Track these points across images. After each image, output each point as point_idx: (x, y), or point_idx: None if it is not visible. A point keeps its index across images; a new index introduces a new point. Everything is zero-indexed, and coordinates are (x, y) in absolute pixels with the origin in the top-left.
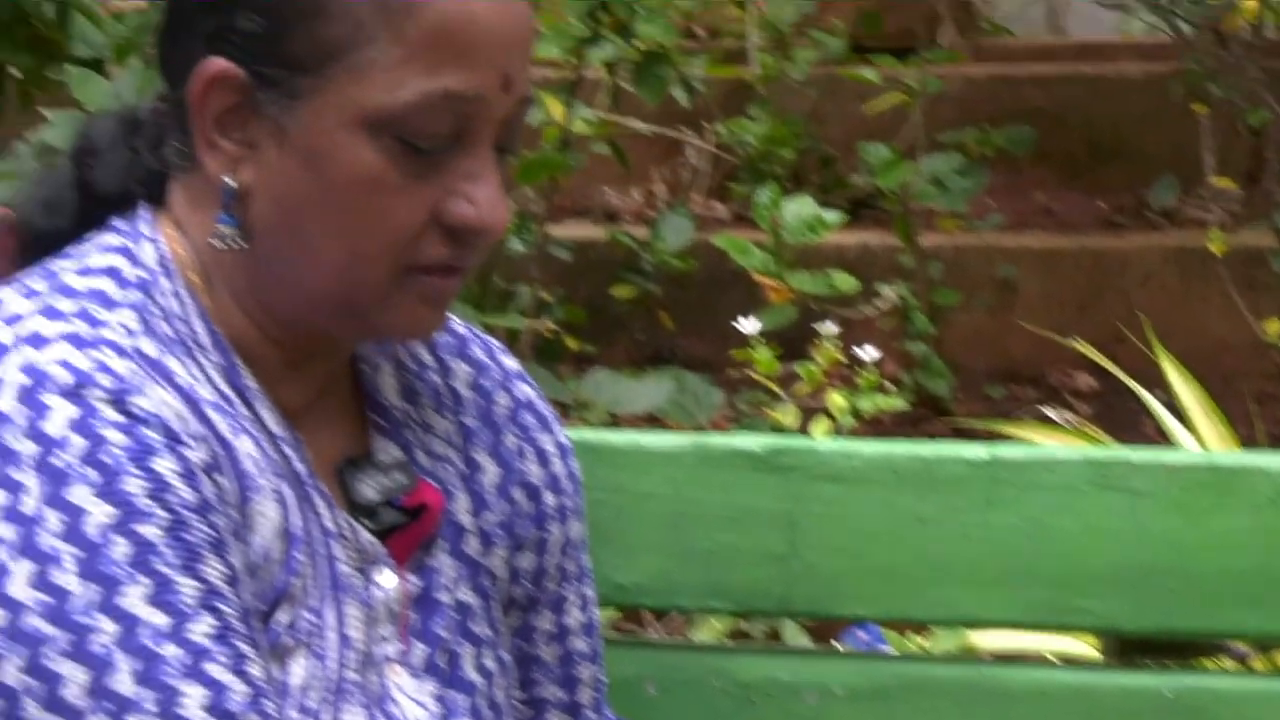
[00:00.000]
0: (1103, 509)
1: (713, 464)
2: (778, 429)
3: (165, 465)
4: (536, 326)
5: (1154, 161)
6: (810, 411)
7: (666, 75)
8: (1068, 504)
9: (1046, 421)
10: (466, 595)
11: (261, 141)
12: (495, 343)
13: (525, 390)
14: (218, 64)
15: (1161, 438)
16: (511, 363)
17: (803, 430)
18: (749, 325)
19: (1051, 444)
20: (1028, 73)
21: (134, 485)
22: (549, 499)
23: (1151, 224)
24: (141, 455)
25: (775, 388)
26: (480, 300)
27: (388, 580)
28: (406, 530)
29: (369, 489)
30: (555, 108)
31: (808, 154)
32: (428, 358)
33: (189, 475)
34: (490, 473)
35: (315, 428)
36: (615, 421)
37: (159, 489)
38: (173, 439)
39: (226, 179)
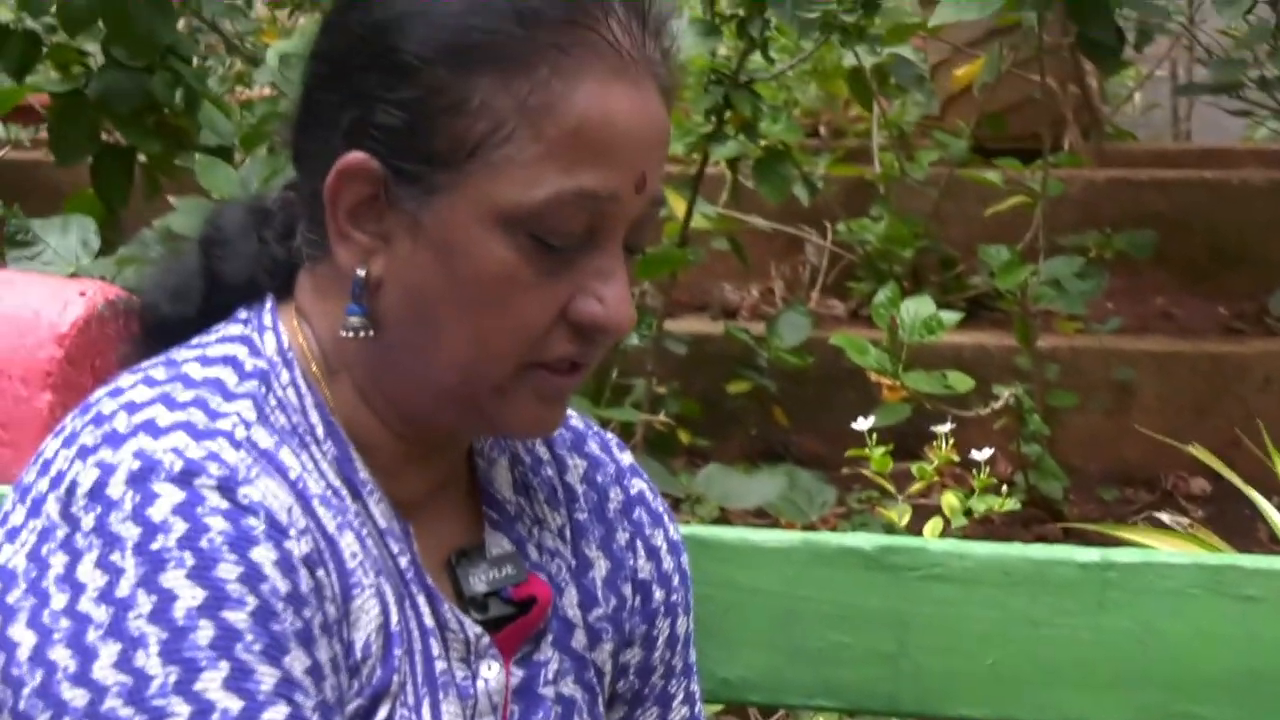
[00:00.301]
0: (1215, 615)
1: (823, 562)
2: (890, 528)
3: (263, 554)
4: (651, 420)
5: (1276, 268)
6: (923, 511)
7: (788, 173)
8: (1179, 609)
9: (1160, 526)
10: (571, 690)
11: (395, 234)
12: (612, 437)
13: (639, 486)
14: (356, 157)
15: (1276, 544)
16: (626, 458)
17: (915, 530)
18: (863, 423)
19: (1164, 549)
20: (1150, 177)
21: (228, 571)
22: (658, 595)
23: (1271, 330)
24: (240, 543)
25: (888, 486)
26: (597, 394)
27: (492, 672)
28: (514, 623)
29: (478, 581)
30: (677, 203)
31: (927, 254)
32: (543, 452)
33: (286, 566)
34: (601, 568)
35: (430, 520)
36: (726, 516)
37: (253, 577)
38: (276, 529)
39: (358, 270)
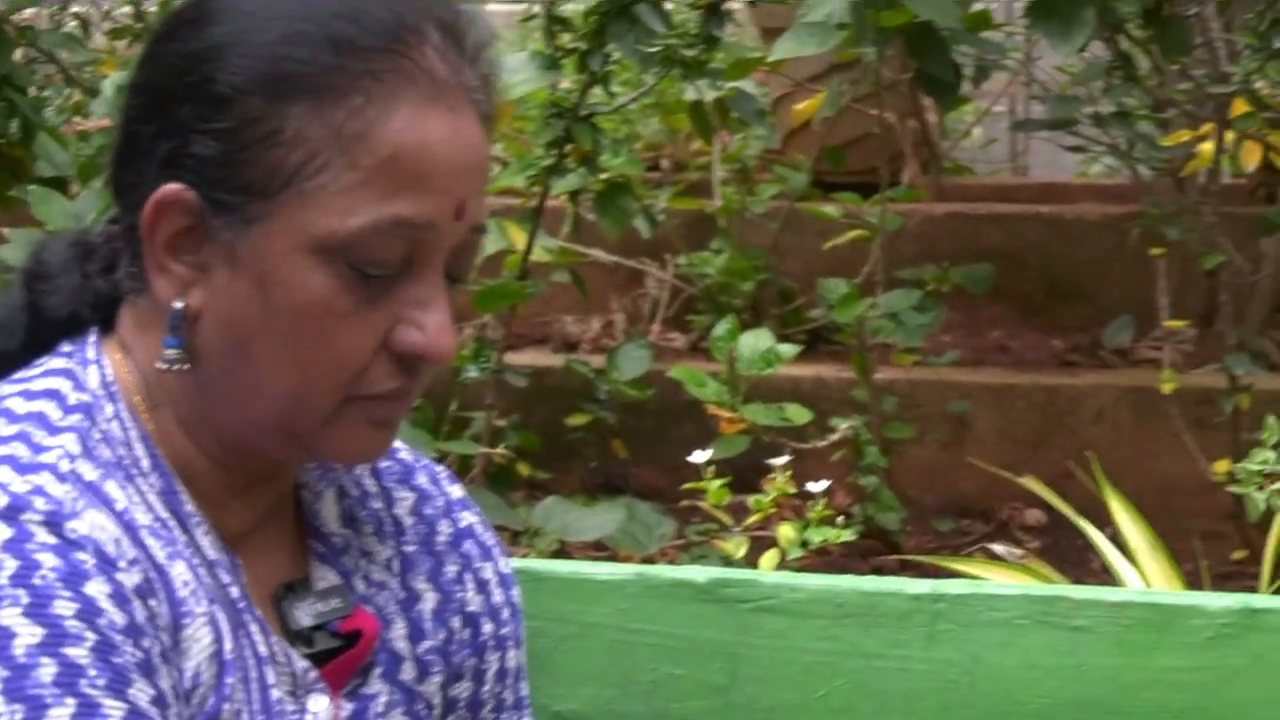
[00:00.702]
0: (1044, 645)
1: (657, 595)
2: (728, 560)
3: (96, 589)
4: (491, 453)
5: (1110, 302)
6: (761, 543)
7: (629, 206)
8: (1009, 640)
9: (994, 557)
10: None
11: (213, 265)
12: (441, 470)
13: (469, 518)
14: (172, 189)
15: (1108, 575)
16: (456, 490)
17: (753, 562)
18: (701, 456)
19: (994, 580)
20: (987, 211)
21: (64, 608)
22: (488, 628)
23: (1105, 363)
24: (73, 579)
25: (726, 519)
26: (436, 426)
27: (320, 706)
28: (341, 656)
29: (304, 615)
30: (518, 236)
31: (767, 287)
32: (371, 485)
33: (120, 599)
34: (429, 600)
35: (256, 552)
36: (566, 549)
37: (89, 612)
38: (106, 562)
39: (175, 302)
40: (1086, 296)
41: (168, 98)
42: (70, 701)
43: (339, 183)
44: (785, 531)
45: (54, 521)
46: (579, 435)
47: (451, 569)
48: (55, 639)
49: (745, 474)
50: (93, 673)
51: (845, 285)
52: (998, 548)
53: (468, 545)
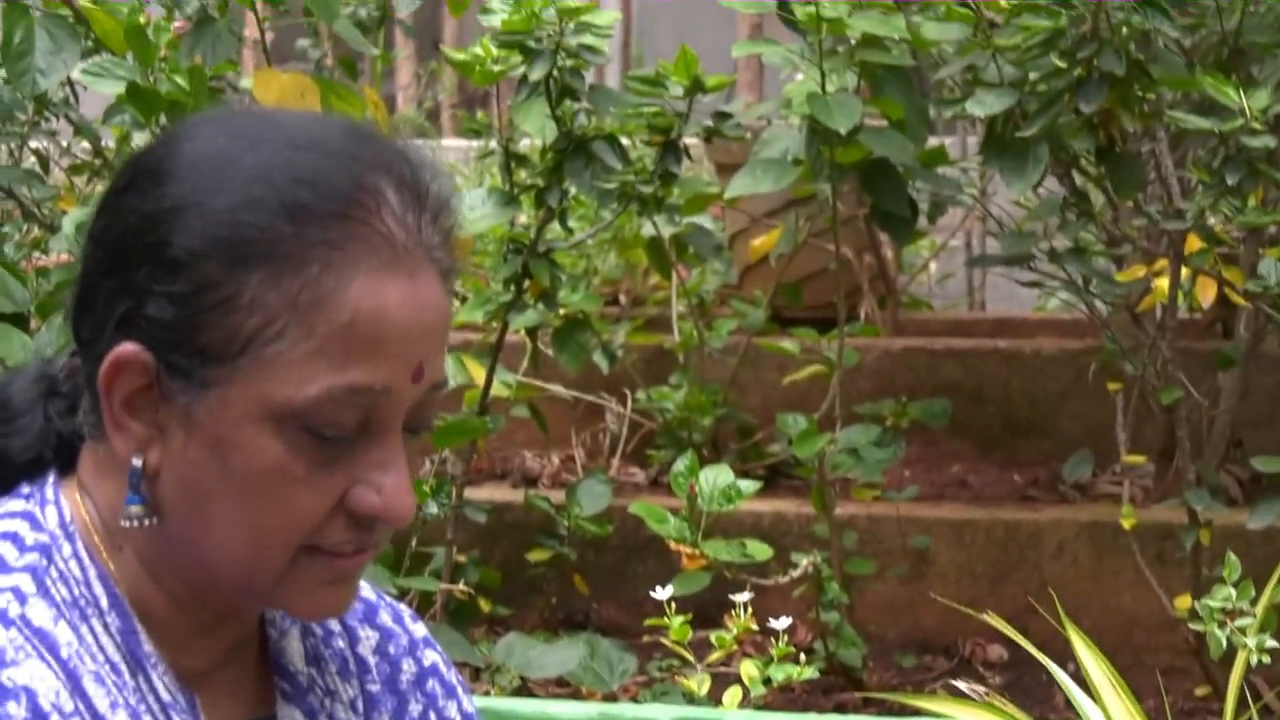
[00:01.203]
0: None
1: None
2: (690, 697)
3: None
4: (451, 589)
5: (1069, 436)
6: (723, 679)
7: (587, 341)
8: None
9: (957, 693)
10: None
11: (169, 425)
12: (405, 609)
13: (433, 657)
14: (128, 349)
15: (1071, 711)
16: (419, 629)
17: (716, 698)
18: (663, 592)
19: (960, 717)
20: (945, 346)
21: None
22: None
23: (1065, 498)
24: None
25: (688, 655)
26: (396, 562)
27: None
28: None
29: None
30: (477, 371)
31: (726, 421)
32: (335, 625)
33: None
34: None
35: (219, 691)
36: (528, 686)
37: None
38: (37, 715)
39: (134, 460)
40: (1045, 431)
41: (124, 256)
42: None
43: (295, 350)
44: (748, 668)
45: None
46: (539, 571)
47: (415, 708)
48: None
49: (707, 610)
50: None
51: (804, 420)
52: (961, 684)
53: (431, 683)
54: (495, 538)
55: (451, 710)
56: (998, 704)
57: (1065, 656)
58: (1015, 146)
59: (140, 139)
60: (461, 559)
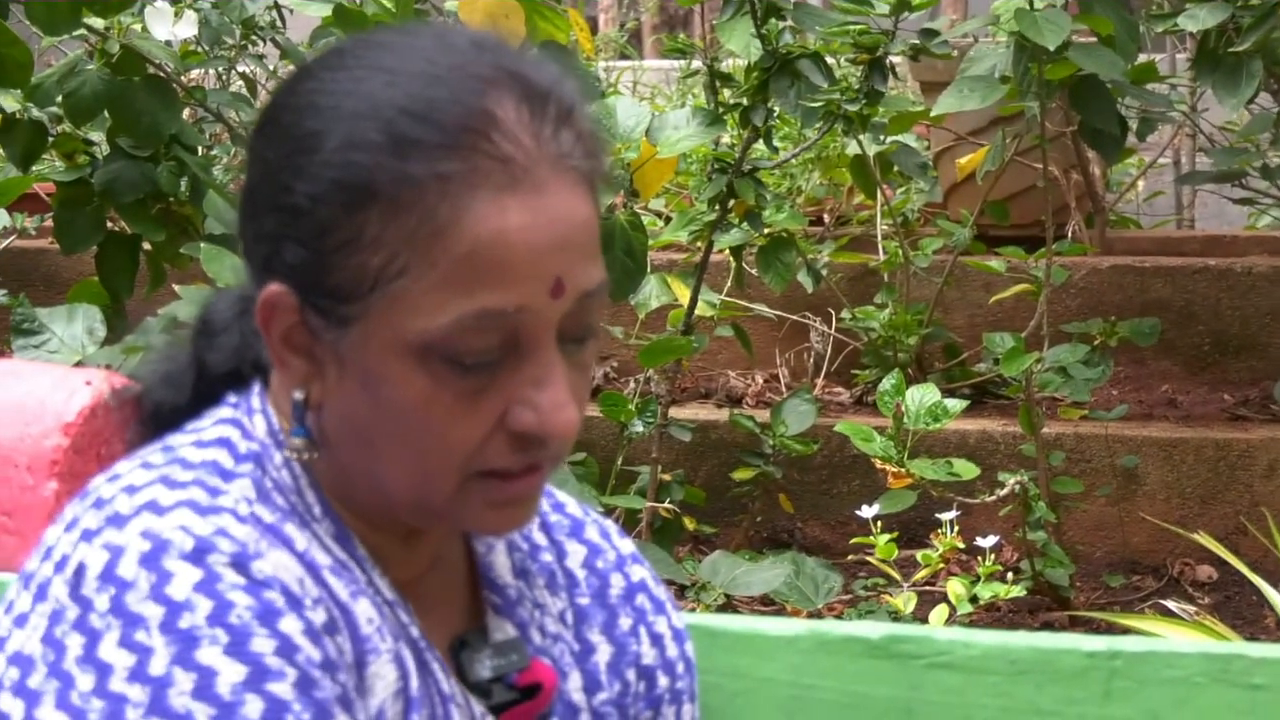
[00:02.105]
0: (1222, 704)
1: (829, 650)
2: (895, 615)
3: (291, 625)
4: (656, 507)
5: (1279, 356)
6: (929, 598)
7: (792, 261)
8: (1186, 698)
9: (1166, 613)
10: None
11: (325, 360)
12: (611, 525)
13: (640, 573)
14: (275, 290)
15: None
16: (626, 545)
17: (921, 617)
18: (869, 511)
19: (1171, 637)
20: (1154, 264)
21: (263, 645)
22: (663, 681)
23: (1276, 417)
24: (267, 616)
25: (894, 573)
26: (602, 481)
27: None
28: (519, 707)
29: (483, 667)
30: (681, 291)
31: (931, 341)
32: (541, 539)
33: (313, 635)
34: (604, 653)
35: (427, 602)
36: (732, 604)
37: (287, 648)
38: (293, 601)
39: (297, 394)
40: (1256, 350)
41: (258, 206)
42: None
43: (421, 283)
44: (954, 587)
45: (240, 562)
46: (744, 489)
47: (625, 622)
48: (258, 676)
49: (912, 529)
50: (297, 707)
51: (1011, 339)
52: (1170, 604)
53: (640, 599)
54: (700, 456)
55: (661, 625)
56: (1208, 624)
57: (1276, 576)
58: (1228, 62)
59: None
60: (666, 477)
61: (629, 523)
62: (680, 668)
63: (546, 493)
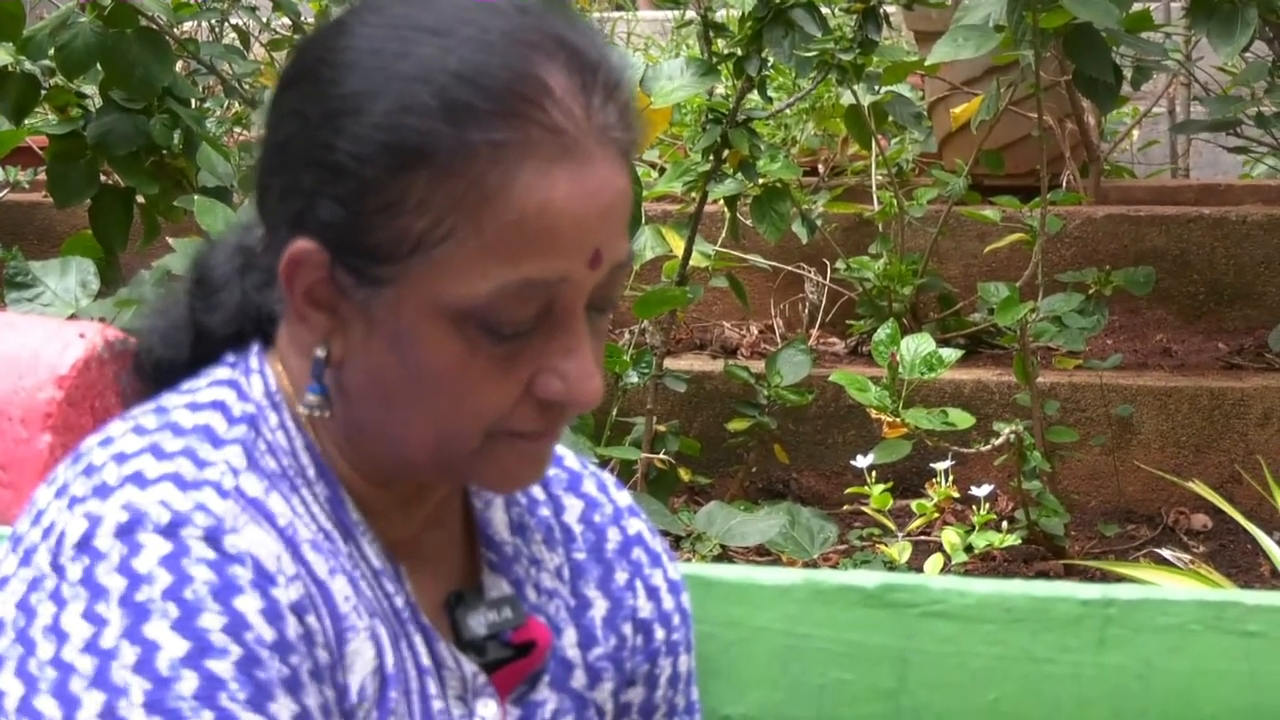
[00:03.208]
0: (1216, 651)
1: (825, 599)
2: (891, 564)
3: (247, 603)
4: (651, 458)
5: (1275, 304)
6: (924, 547)
7: (786, 211)
8: (1181, 645)
9: (1161, 561)
10: None
11: (350, 318)
12: (609, 477)
13: (637, 526)
14: (303, 246)
15: (1277, 579)
16: (624, 498)
17: (916, 566)
18: (864, 460)
19: (1165, 585)
20: (1148, 213)
21: (211, 621)
22: (660, 634)
23: (1270, 366)
24: (224, 592)
25: (889, 523)
26: (597, 432)
27: (489, 711)
28: (513, 664)
29: (477, 624)
30: (675, 241)
31: (926, 291)
32: (539, 493)
33: (272, 614)
34: (599, 607)
35: (423, 559)
36: (727, 554)
37: (236, 625)
38: (263, 577)
39: (318, 350)
40: (1251, 298)
41: (292, 158)
42: (207, 714)
43: (465, 249)
44: (949, 536)
45: (213, 536)
46: (739, 440)
47: (621, 576)
48: (199, 652)
49: (907, 479)
50: (234, 686)
51: (1006, 288)
52: (1165, 553)
53: (637, 552)
54: (695, 407)
55: (658, 578)
56: (1203, 572)
57: (1271, 525)
58: (1223, 9)
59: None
60: (661, 428)
61: (624, 474)
62: (676, 619)
63: None
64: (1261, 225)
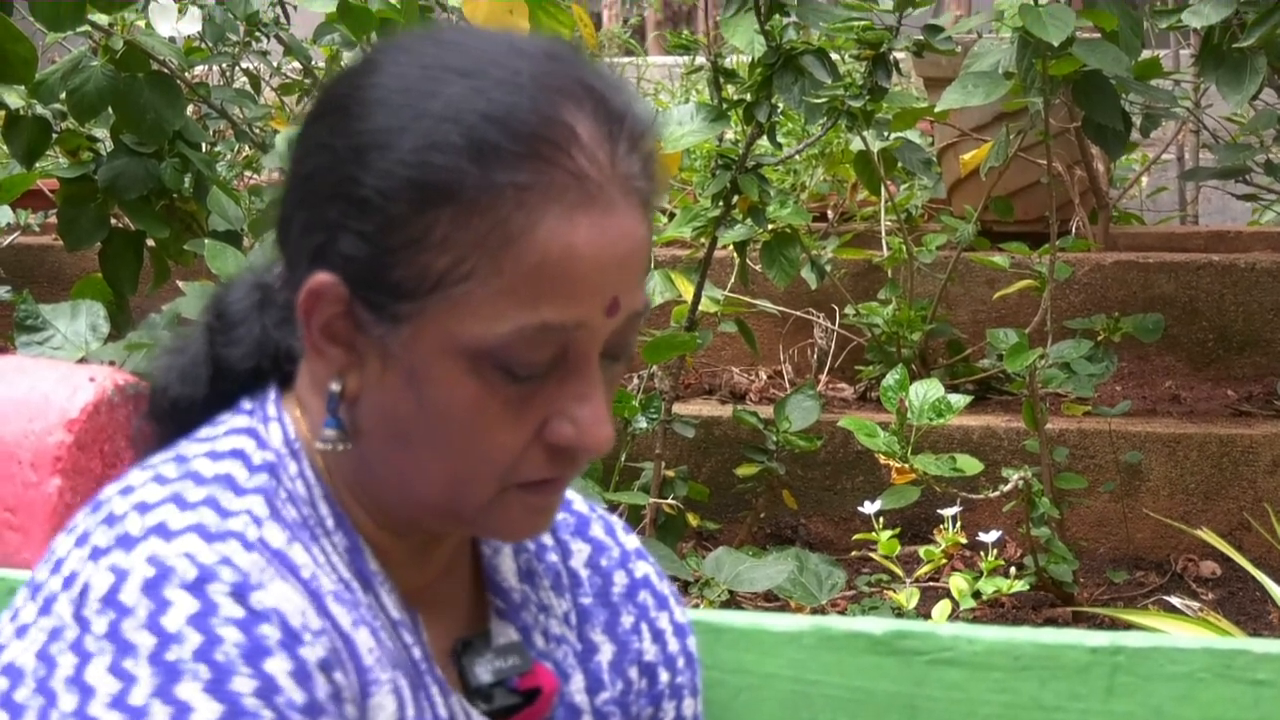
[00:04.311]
0: (1225, 700)
1: (833, 646)
2: (899, 611)
3: (277, 666)
4: (660, 503)
5: None
6: (932, 593)
7: (796, 257)
8: (1190, 694)
9: (1170, 609)
10: None
11: (367, 353)
12: (616, 521)
13: (644, 569)
14: (323, 280)
15: None
16: (631, 541)
17: (924, 612)
18: (872, 506)
19: (1174, 633)
20: (1157, 260)
21: (243, 685)
22: (664, 677)
23: (1279, 413)
24: (254, 654)
25: (897, 569)
26: (605, 477)
27: None
28: (520, 713)
29: (484, 671)
30: (685, 286)
31: (935, 337)
32: (547, 539)
33: (301, 675)
34: (606, 652)
35: (435, 607)
36: (735, 600)
37: (267, 690)
38: (291, 636)
39: (333, 385)
40: (1260, 346)
41: (316, 191)
42: None
43: (485, 289)
44: (957, 582)
45: (240, 593)
46: (748, 486)
47: (627, 620)
48: (231, 716)
49: (915, 525)
50: None
51: (1015, 335)
52: (1174, 600)
53: (643, 595)
54: (703, 453)
55: (664, 621)
56: (1211, 619)
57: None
58: (1232, 58)
59: (350, 58)
60: (670, 474)
61: (633, 519)
62: (681, 662)
63: None
64: (1270, 272)
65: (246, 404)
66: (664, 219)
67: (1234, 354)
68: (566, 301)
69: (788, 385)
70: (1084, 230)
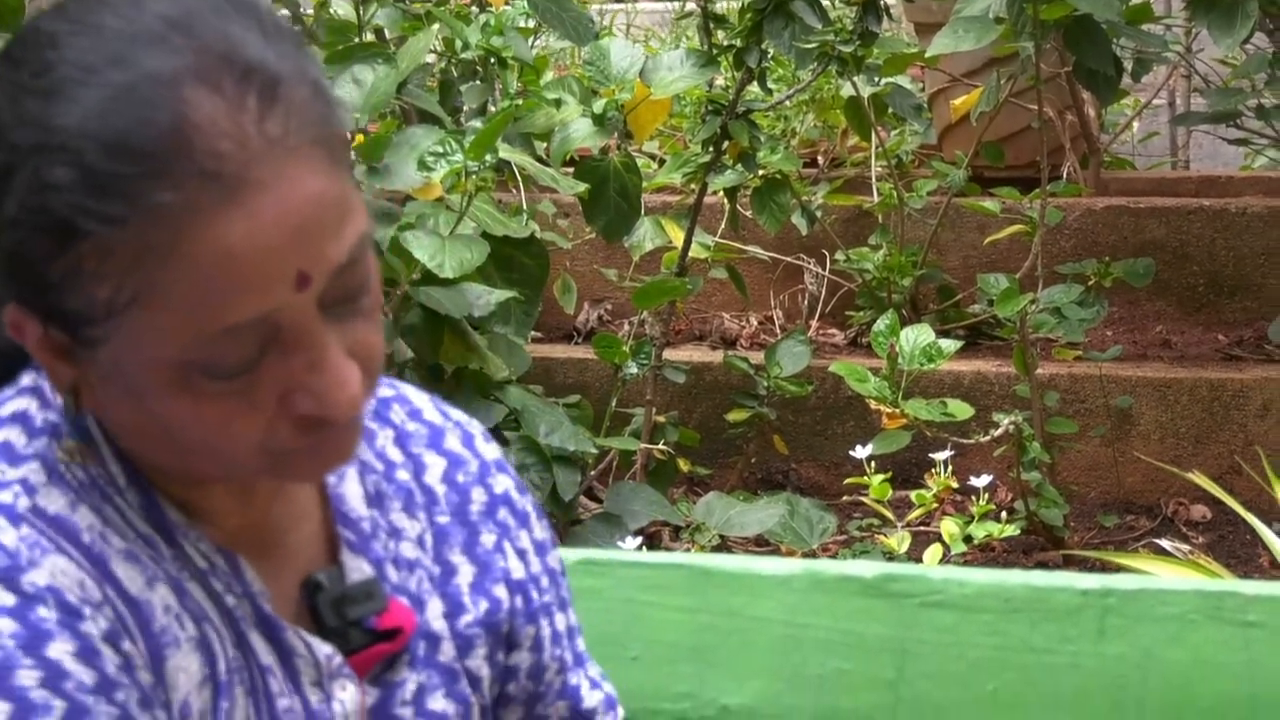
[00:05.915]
0: (1215, 641)
1: (824, 589)
2: (889, 555)
3: (60, 649)
4: (651, 449)
5: (1275, 295)
6: (923, 538)
7: (786, 202)
8: (1180, 636)
9: (1160, 552)
10: (443, 705)
11: (87, 369)
12: (476, 429)
13: (504, 483)
14: (12, 312)
15: (1276, 570)
16: (491, 451)
17: (915, 557)
18: (863, 451)
19: (1164, 575)
20: (1148, 205)
21: (27, 677)
22: (533, 596)
23: (1269, 357)
24: (34, 642)
25: (888, 514)
26: (596, 423)
27: (347, 693)
28: (370, 649)
29: (331, 615)
30: (675, 233)
31: (926, 282)
32: (397, 455)
33: (88, 653)
34: (466, 573)
35: (272, 544)
36: (727, 545)
37: (54, 677)
38: (70, 613)
39: (64, 399)
40: (1251, 290)
41: None
42: None
43: (155, 310)
44: (948, 526)
45: (9, 577)
46: (738, 431)
47: (488, 539)
48: (21, 713)
49: (906, 469)
50: None
51: (1006, 280)
52: (1165, 543)
53: (503, 513)
54: (694, 398)
55: (524, 540)
56: (1202, 562)
57: (1270, 516)
58: (1223, 1)
59: None
60: (661, 419)
61: (623, 464)
62: (545, 581)
63: (401, 398)
64: (1261, 217)
65: (28, 377)
66: (654, 165)
67: (1224, 299)
68: (243, 299)
69: (778, 331)
70: (1075, 175)
